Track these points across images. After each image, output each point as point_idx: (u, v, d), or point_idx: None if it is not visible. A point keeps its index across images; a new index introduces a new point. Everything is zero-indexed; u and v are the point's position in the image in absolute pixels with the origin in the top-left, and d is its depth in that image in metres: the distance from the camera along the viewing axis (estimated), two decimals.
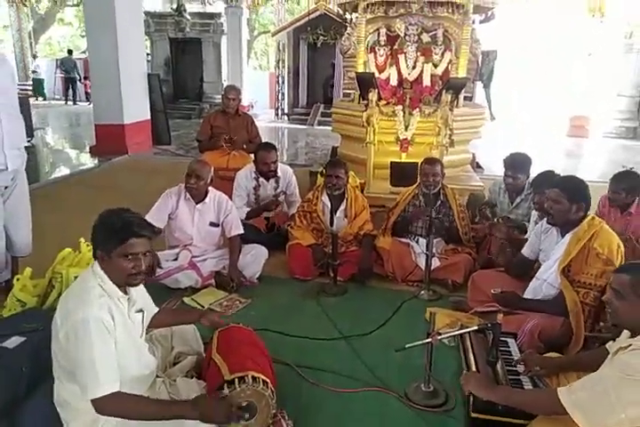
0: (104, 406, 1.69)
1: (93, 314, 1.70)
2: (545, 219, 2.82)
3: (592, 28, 11.16)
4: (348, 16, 6.16)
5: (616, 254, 2.37)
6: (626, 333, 1.80)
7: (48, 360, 1.89)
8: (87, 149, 8.23)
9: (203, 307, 3.02)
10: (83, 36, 25.26)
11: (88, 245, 2.88)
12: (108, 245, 1.76)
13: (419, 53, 5.22)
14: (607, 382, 1.62)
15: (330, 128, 9.50)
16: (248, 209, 4.01)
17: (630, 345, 1.69)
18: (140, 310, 1.99)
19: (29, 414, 1.90)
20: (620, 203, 3.33)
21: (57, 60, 18.35)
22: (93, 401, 1.68)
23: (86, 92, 15.80)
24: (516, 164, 3.56)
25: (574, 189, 2.48)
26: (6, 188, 2.82)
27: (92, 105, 8.86)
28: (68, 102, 16.01)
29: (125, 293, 1.88)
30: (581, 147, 10.43)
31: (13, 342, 2.15)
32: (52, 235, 3.59)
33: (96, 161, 7.53)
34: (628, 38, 11.18)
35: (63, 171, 7.04)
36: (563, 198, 2.45)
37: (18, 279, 2.65)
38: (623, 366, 1.62)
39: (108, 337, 1.73)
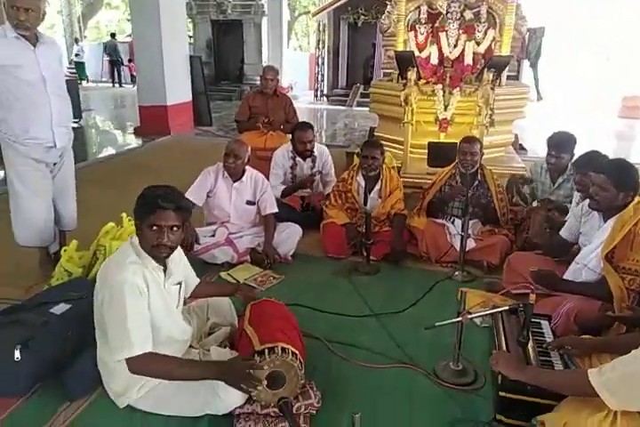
0: (136, 365, 1.79)
1: (127, 278, 1.79)
2: (585, 201, 2.74)
3: None
4: None
5: None
6: None
7: (92, 325, 2.00)
8: (131, 129, 8.47)
9: (238, 282, 3.09)
10: (129, 20, 25.74)
11: (130, 220, 3.00)
12: (140, 215, 1.86)
13: (461, 31, 5.10)
14: (638, 364, 1.58)
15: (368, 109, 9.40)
16: (284, 187, 4.05)
17: None
18: (178, 283, 2.08)
19: (75, 376, 2.02)
20: None
21: (103, 43, 18.81)
22: (126, 361, 1.78)
23: (131, 75, 16.16)
24: (561, 143, 3.43)
25: (623, 176, 2.35)
26: (55, 164, 2.95)
27: (136, 87, 9.06)
28: (115, 85, 16.42)
29: (163, 265, 1.96)
30: (633, 128, 9.95)
31: (60, 308, 2.29)
32: (96, 211, 3.74)
33: (140, 141, 7.75)
34: None
35: (109, 151, 7.28)
36: (610, 185, 2.33)
37: (65, 251, 2.79)
38: None
39: (140, 300, 1.82)
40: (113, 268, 1.85)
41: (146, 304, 1.83)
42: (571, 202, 3.38)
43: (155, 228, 1.83)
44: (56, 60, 2.89)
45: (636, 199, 2.41)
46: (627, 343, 1.94)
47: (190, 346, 2.15)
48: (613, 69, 12.18)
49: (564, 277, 2.62)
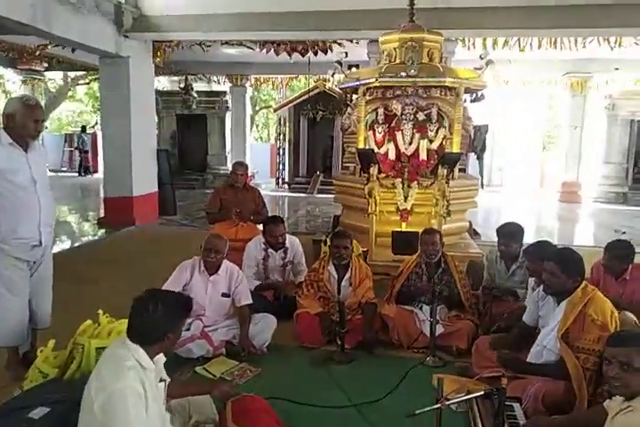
0: None
1: (129, 385, 1.81)
2: (541, 286, 2.99)
3: (578, 101, 11.88)
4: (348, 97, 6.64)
5: (610, 320, 2.51)
6: (619, 398, 1.90)
7: None
8: (95, 220, 8.50)
9: (215, 376, 3.09)
10: (93, 112, 26.60)
11: (107, 317, 3.01)
12: (177, 322, 1.99)
13: (415, 130, 5.61)
14: None
15: (330, 196, 9.82)
16: (258, 282, 4.17)
17: (628, 406, 1.81)
18: (162, 380, 2.11)
19: None
20: (616, 270, 3.50)
21: (65, 134, 19.27)
22: None
23: (86, 165, 16.85)
24: (509, 233, 3.76)
25: (570, 264, 2.63)
26: (34, 262, 3.00)
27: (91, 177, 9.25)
28: (81, 174, 16.67)
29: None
30: (573, 212, 10.77)
31: (38, 412, 2.23)
32: (66, 307, 3.69)
33: (104, 232, 7.77)
34: (610, 110, 11.91)
35: (73, 242, 7.24)
36: (559, 271, 2.59)
37: (41, 351, 2.75)
38: (623, 426, 1.73)
39: (142, 407, 1.83)
40: (111, 373, 1.85)
41: (145, 411, 1.84)
42: (525, 287, 3.64)
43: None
44: (43, 163, 3.07)
45: (583, 283, 2.68)
46: (591, 418, 2.10)
47: None
48: (552, 157, 13.38)
49: (528, 359, 2.79)
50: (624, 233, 6.71)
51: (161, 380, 2.10)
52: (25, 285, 2.95)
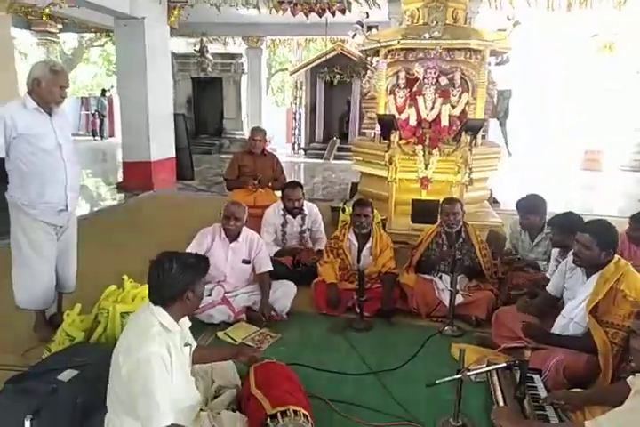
0: None
1: (155, 351, 1.84)
2: (568, 257, 2.94)
3: (603, 65, 11.44)
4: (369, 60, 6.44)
5: None
6: None
7: (100, 393, 2.03)
8: (114, 185, 8.55)
9: (235, 341, 3.14)
10: (108, 75, 26.37)
11: (131, 282, 3.06)
12: (195, 280, 2.00)
13: (437, 95, 5.46)
14: (630, 418, 1.72)
15: (346, 162, 9.72)
16: (277, 248, 4.18)
17: None
18: (188, 344, 2.15)
19: None
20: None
21: (82, 97, 19.16)
22: None
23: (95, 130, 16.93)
24: (527, 207, 3.67)
25: (606, 236, 2.54)
26: (61, 227, 3.03)
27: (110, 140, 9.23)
28: (96, 138, 16.65)
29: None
30: (596, 180, 10.53)
31: (67, 375, 2.29)
32: (90, 272, 3.76)
33: (123, 197, 7.82)
34: (637, 75, 11.44)
35: (92, 206, 7.30)
36: (594, 245, 2.51)
37: (68, 314, 2.82)
38: None
39: (166, 373, 1.87)
40: (137, 339, 1.89)
41: (170, 376, 1.88)
42: (547, 259, 3.60)
43: (204, 284, 2.06)
44: (68, 128, 3.06)
45: (616, 257, 2.61)
46: (614, 394, 2.09)
47: (200, 409, 2.18)
48: (576, 125, 13.00)
49: (553, 330, 2.76)
50: None
51: (186, 344, 2.13)
52: (52, 249, 3.00)
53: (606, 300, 2.50)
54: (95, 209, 7.03)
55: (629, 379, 2.01)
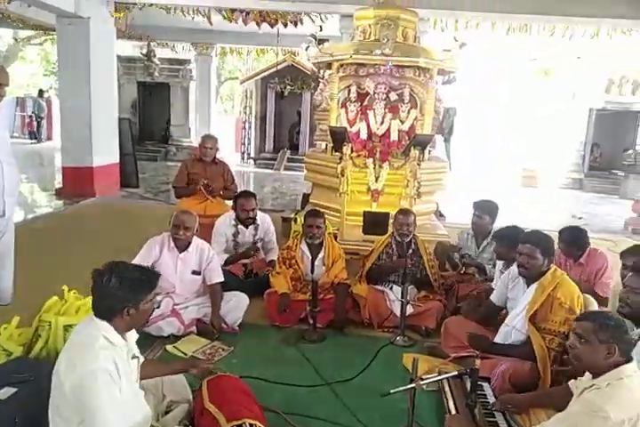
0: None
1: (100, 365, 1.76)
2: (511, 268, 3.08)
3: (541, 88, 12.17)
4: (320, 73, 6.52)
5: (577, 304, 2.62)
6: (588, 374, 2.01)
7: (40, 411, 1.91)
8: (53, 191, 8.14)
9: (185, 355, 3.06)
10: (45, 75, 25.22)
11: (74, 293, 2.92)
12: (139, 296, 1.89)
13: (386, 110, 5.59)
14: (576, 420, 1.82)
15: (296, 173, 9.74)
16: (227, 255, 4.11)
17: (593, 385, 1.91)
18: (135, 356, 2.07)
19: None
20: (572, 254, 3.66)
21: (17, 98, 18.21)
22: None
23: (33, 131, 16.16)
24: (484, 205, 3.96)
25: (546, 244, 2.73)
26: None
27: (51, 144, 8.83)
28: (34, 141, 15.87)
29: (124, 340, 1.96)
30: (534, 197, 11.09)
31: (5, 392, 2.16)
32: (24, 280, 3.55)
33: (62, 203, 7.47)
34: (572, 99, 12.24)
35: (30, 213, 6.91)
36: (537, 253, 2.69)
37: (5, 328, 2.64)
38: (589, 404, 1.83)
39: (114, 387, 1.79)
40: (80, 353, 1.81)
41: (118, 391, 1.80)
42: (493, 265, 3.77)
43: (153, 299, 1.96)
44: (6, 128, 2.89)
45: (553, 267, 2.78)
46: (556, 397, 2.23)
47: (151, 426, 2.10)
48: (516, 144, 13.70)
49: (496, 338, 2.89)
50: (580, 218, 6.98)
51: (134, 357, 2.06)
52: None
53: (544, 307, 2.66)
54: (32, 216, 6.66)
55: (571, 382, 2.13)
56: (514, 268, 3.01)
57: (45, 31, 12.69)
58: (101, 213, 7.02)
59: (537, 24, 8.36)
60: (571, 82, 12.27)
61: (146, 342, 3.07)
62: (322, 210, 4.44)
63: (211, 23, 9.09)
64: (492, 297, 3.10)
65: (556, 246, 3.68)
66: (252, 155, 13.64)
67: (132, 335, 2.05)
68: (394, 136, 5.51)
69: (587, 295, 3.28)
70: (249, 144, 13.77)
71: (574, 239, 3.62)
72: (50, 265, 4.40)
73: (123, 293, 1.87)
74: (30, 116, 16.38)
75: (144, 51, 13.20)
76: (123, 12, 8.44)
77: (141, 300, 1.90)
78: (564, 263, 3.76)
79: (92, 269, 1.93)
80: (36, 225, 6.14)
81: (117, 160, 8.48)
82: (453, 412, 2.29)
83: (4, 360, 2.54)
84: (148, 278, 1.95)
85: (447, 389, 2.45)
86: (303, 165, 6.60)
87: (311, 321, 3.38)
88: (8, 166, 2.78)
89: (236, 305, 3.45)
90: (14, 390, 2.17)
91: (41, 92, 16.83)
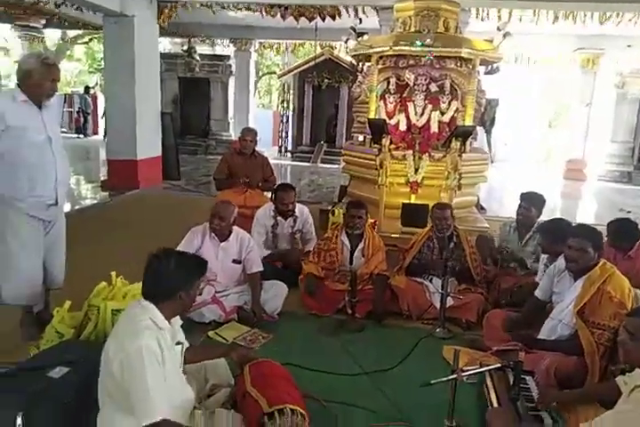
0: None
1: (146, 344, 1.83)
2: (556, 262, 3.00)
3: (588, 78, 11.73)
4: (359, 65, 6.49)
5: (627, 298, 2.53)
6: (638, 371, 1.94)
7: (92, 391, 1.99)
8: (98, 183, 8.42)
9: (227, 341, 3.12)
10: (91, 72, 26.02)
11: (121, 279, 3.01)
12: (191, 281, 1.96)
13: (427, 102, 5.52)
14: (626, 419, 1.75)
15: (333, 166, 9.74)
16: (268, 252, 4.17)
17: None
18: (180, 343, 2.13)
19: None
20: (622, 247, 3.53)
21: (65, 94, 18.86)
22: None
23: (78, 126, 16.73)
24: (531, 198, 3.87)
25: (597, 238, 2.66)
26: (49, 222, 2.98)
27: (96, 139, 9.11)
28: (80, 136, 16.40)
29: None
30: (578, 189, 10.75)
31: (58, 372, 2.24)
32: (77, 268, 3.70)
33: (107, 195, 7.71)
34: (620, 88, 11.74)
35: (77, 204, 7.16)
36: (588, 247, 2.61)
37: (57, 311, 2.76)
38: None
39: (158, 366, 1.85)
40: (127, 333, 1.88)
41: (162, 370, 1.86)
42: (536, 259, 3.68)
43: (201, 285, 2.05)
44: (58, 121, 3.02)
45: (602, 261, 2.70)
46: (603, 393, 2.16)
47: (194, 407, 2.16)
48: (558, 134, 13.26)
49: (541, 333, 2.83)
50: (629, 212, 6.72)
51: (178, 343, 2.11)
52: (40, 244, 2.95)
53: (593, 301, 2.58)
54: (78, 207, 6.91)
55: (619, 378, 2.05)
56: (559, 262, 2.93)
57: (91, 30, 13.08)
58: (144, 204, 7.22)
59: (584, 12, 8.09)
60: (620, 70, 11.77)
61: (188, 327, 3.14)
62: None
63: (261, 15, 9.12)
64: (537, 292, 3.02)
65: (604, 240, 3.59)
66: (290, 148, 13.71)
67: (177, 321, 2.11)
68: (434, 128, 5.44)
69: (637, 290, 3.19)
70: (286, 137, 13.85)
71: (624, 231, 3.49)
72: (97, 253, 4.57)
73: (179, 275, 1.94)
74: (77, 112, 16.94)
75: (185, 47, 13.44)
76: (166, 10, 8.63)
77: (193, 284, 1.97)
78: (612, 257, 3.62)
79: (141, 260, 1.99)
80: (84, 215, 6.36)
81: (160, 153, 8.68)
82: (495, 405, 2.25)
83: (56, 342, 2.66)
84: (200, 264, 2.04)
85: (489, 382, 2.41)
86: (340, 158, 6.60)
87: (350, 311, 3.38)
88: (60, 158, 2.90)
89: (275, 294, 3.50)
90: (67, 369, 2.26)
91: (87, 89, 17.37)
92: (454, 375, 2.20)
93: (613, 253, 3.61)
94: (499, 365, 2.20)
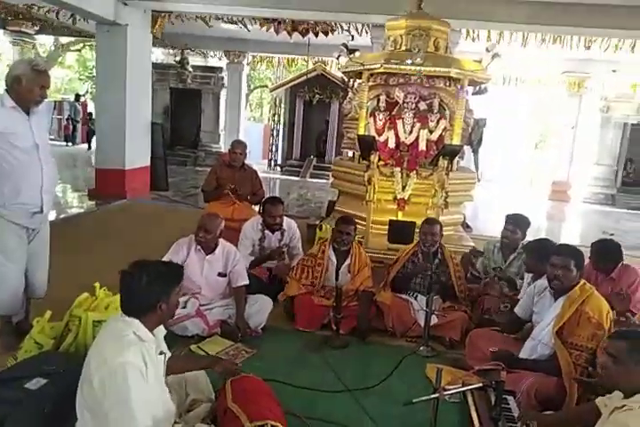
0: None
1: (130, 360, 1.80)
2: (538, 281, 3.03)
3: (574, 101, 11.98)
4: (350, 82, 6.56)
5: (605, 319, 2.57)
6: (617, 393, 1.95)
7: (70, 403, 1.96)
8: (85, 191, 8.35)
9: (209, 355, 3.08)
10: (81, 80, 25.97)
11: (104, 290, 2.98)
12: (170, 289, 1.96)
13: (415, 120, 5.57)
14: None
15: (322, 181, 9.76)
16: (252, 258, 4.15)
17: (624, 406, 1.85)
18: (162, 352, 2.11)
19: None
20: (604, 268, 3.58)
21: (55, 101, 18.79)
22: None
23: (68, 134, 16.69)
24: (517, 220, 3.88)
25: (579, 257, 2.70)
26: (33, 230, 2.95)
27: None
28: (68, 144, 16.34)
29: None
30: (562, 210, 10.90)
31: (35, 383, 2.21)
32: (56, 277, 3.64)
33: (94, 204, 7.65)
34: (604, 112, 12.01)
35: (63, 212, 7.08)
36: (572, 266, 2.65)
37: (37, 321, 2.72)
38: (619, 425, 1.77)
39: (142, 383, 1.83)
40: (110, 348, 1.85)
41: (146, 386, 1.84)
42: (521, 278, 3.70)
43: (179, 292, 2.04)
44: (46, 128, 3.01)
45: (582, 281, 2.73)
46: (582, 416, 2.16)
47: (175, 422, 2.13)
48: (544, 156, 13.48)
49: (521, 352, 2.84)
50: (612, 235, 6.82)
51: (161, 353, 2.09)
52: (22, 252, 2.91)
53: (571, 321, 2.61)
54: (64, 216, 6.84)
55: (599, 400, 2.07)
56: (540, 281, 2.97)
57: (83, 37, 13.10)
58: (131, 214, 7.18)
59: (571, 36, 8.30)
60: (605, 95, 12.05)
61: (171, 341, 3.11)
62: None
63: (248, 30, 9.25)
64: (517, 310, 3.05)
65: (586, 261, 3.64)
66: (279, 162, 13.76)
67: (161, 331, 2.09)
68: (422, 146, 5.49)
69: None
70: (276, 151, 13.91)
71: (607, 252, 3.54)
72: (81, 262, 4.51)
73: (155, 288, 1.92)
74: (67, 120, 16.87)
75: (177, 58, 13.50)
76: (159, 20, 8.68)
77: (171, 292, 1.96)
78: (594, 278, 3.68)
79: (120, 270, 1.97)
80: (69, 224, 6.30)
81: (148, 164, 8.67)
82: (477, 425, 2.25)
83: (35, 353, 2.62)
84: (174, 270, 2.03)
85: (471, 401, 2.41)
86: (329, 173, 6.64)
87: (334, 327, 3.38)
88: (47, 165, 2.88)
89: (259, 308, 3.48)
90: (45, 381, 2.23)
91: (77, 97, 17.34)
92: (436, 394, 2.19)
93: (595, 274, 3.66)
94: (480, 384, 2.21)
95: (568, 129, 12.02)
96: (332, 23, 8.88)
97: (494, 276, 3.78)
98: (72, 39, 15.64)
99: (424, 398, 2.21)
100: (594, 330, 2.55)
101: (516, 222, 3.86)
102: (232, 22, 9.59)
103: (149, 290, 1.92)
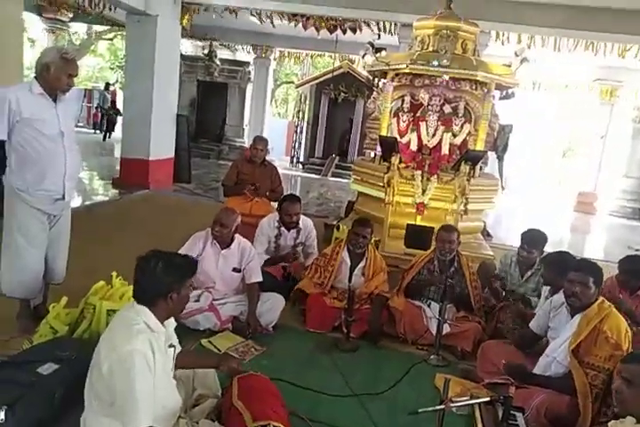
0: None
1: (138, 348, 1.82)
2: (553, 296, 2.97)
3: (605, 109, 11.69)
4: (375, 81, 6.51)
5: (624, 339, 2.49)
6: (631, 418, 1.90)
7: (80, 389, 1.98)
8: (109, 180, 8.47)
9: (219, 351, 3.11)
10: (112, 69, 26.31)
11: (120, 280, 3.02)
12: (183, 280, 1.98)
13: (439, 122, 5.50)
14: None
15: (343, 180, 9.73)
16: (267, 257, 4.16)
17: None
18: (172, 345, 2.12)
19: None
20: (630, 285, 3.48)
21: (85, 89, 19.07)
22: None
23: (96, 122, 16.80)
24: (533, 239, 3.71)
25: (598, 274, 2.63)
26: (55, 216, 3.00)
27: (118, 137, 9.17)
28: (96, 132, 16.48)
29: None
30: (587, 223, 10.65)
31: (48, 368, 2.25)
32: (75, 263, 3.70)
33: (117, 193, 7.75)
34: (637, 123, 11.68)
35: (86, 200, 7.18)
36: (591, 282, 2.58)
37: (53, 307, 2.77)
38: None
39: (148, 371, 1.84)
40: (120, 336, 1.88)
41: (152, 377, 1.85)
42: (538, 295, 3.61)
43: (192, 285, 2.06)
44: (73, 116, 3.05)
45: (600, 298, 2.66)
46: None
47: (179, 416, 2.14)
48: (571, 165, 13.21)
49: (535, 369, 2.77)
50: (638, 250, 6.66)
51: (171, 345, 2.11)
52: (44, 237, 2.96)
53: (588, 340, 2.53)
54: (88, 203, 6.94)
55: (611, 424, 2.02)
56: (557, 296, 2.90)
57: (116, 26, 13.24)
58: (153, 204, 7.26)
59: (604, 43, 8.10)
60: (637, 105, 11.74)
61: (182, 334, 3.13)
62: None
63: (273, 25, 9.25)
64: (532, 325, 2.99)
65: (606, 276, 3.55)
66: (302, 159, 13.75)
67: (171, 324, 2.11)
68: (445, 150, 5.42)
69: None
70: (299, 148, 13.91)
71: (637, 269, 3.44)
72: (101, 250, 4.58)
73: (169, 277, 1.94)
74: (96, 108, 17.09)
75: (206, 51, 13.59)
76: (189, 12, 8.73)
77: (184, 284, 1.97)
78: (617, 295, 3.58)
79: (136, 257, 2.00)
80: (92, 212, 6.38)
81: (173, 155, 8.75)
82: None
83: (50, 337, 2.67)
84: (189, 263, 2.05)
85: (478, 414, 2.38)
86: (350, 172, 6.60)
87: (345, 330, 3.36)
88: (71, 152, 2.92)
89: (271, 306, 3.48)
90: (56, 366, 2.26)
91: (107, 86, 17.53)
92: (442, 406, 2.17)
93: (618, 291, 3.57)
94: (488, 398, 2.17)
95: (597, 138, 11.73)
96: (361, 21, 8.81)
97: (508, 298, 3.69)
98: (105, 28, 15.81)
99: (430, 408, 2.18)
100: (612, 350, 2.47)
101: (532, 243, 3.69)
102: (259, 16, 9.58)
103: (162, 278, 1.94)
